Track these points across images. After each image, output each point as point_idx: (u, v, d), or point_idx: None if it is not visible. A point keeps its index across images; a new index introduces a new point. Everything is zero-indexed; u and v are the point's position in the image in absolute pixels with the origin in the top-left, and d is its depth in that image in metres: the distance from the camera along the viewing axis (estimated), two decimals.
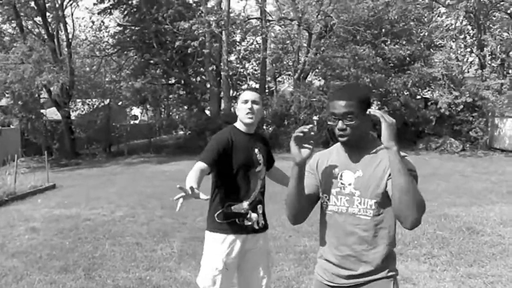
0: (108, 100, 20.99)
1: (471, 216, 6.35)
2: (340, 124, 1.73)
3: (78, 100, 20.63)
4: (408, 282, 3.99)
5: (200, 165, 2.47)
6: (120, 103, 22.28)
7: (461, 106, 14.30)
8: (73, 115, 20.16)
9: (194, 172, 2.40)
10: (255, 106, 2.64)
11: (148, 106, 23.81)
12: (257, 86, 21.03)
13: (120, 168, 14.33)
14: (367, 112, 1.70)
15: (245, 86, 23.28)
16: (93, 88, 21.29)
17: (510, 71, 15.99)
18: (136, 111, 26.82)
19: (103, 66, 22.47)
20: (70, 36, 20.49)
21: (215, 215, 2.61)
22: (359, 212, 1.77)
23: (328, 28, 16.78)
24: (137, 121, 27.14)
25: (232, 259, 2.56)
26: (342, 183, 1.80)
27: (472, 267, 4.32)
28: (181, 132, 21.07)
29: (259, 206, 2.67)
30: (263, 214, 2.72)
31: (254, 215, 2.62)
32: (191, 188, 2.15)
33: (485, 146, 15.57)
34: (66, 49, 19.71)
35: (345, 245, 1.80)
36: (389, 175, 1.70)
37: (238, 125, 2.70)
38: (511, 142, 14.99)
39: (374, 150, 1.81)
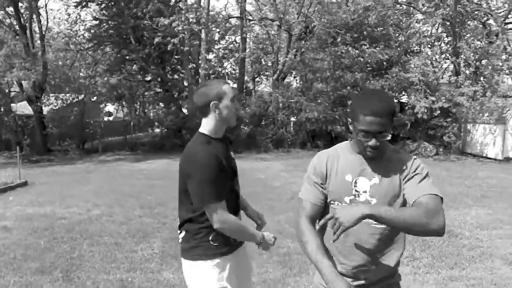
0: (82, 95, 20.47)
1: (449, 219, 6.45)
2: (373, 141, 1.62)
3: (51, 95, 20.05)
4: None
5: (224, 206, 2.06)
6: (94, 99, 21.79)
7: (438, 111, 14.61)
8: (45, 110, 19.59)
9: (238, 226, 2.11)
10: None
11: (123, 103, 23.41)
12: (235, 85, 20.97)
13: (95, 166, 13.99)
14: None
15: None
16: (67, 83, 20.75)
17: (481, 79, 16.43)
18: (110, 107, 26.32)
19: (78, 61, 21.91)
20: (44, 28, 19.89)
21: (210, 239, 2.11)
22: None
23: (308, 29, 16.87)
24: (111, 118, 26.62)
25: (234, 280, 2.18)
26: (356, 191, 1.70)
27: (454, 270, 4.38)
28: (158, 130, 20.77)
29: (240, 213, 2.35)
30: None
31: None
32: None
33: (458, 150, 15.97)
34: (39, 42, 19.12)
35: (358, 255, 1.72)
36: (405, 181, 1.66)
37: (210, 130, 2.17)
38: (482, 148, 15.41)
39: (389, 155, 1.74)
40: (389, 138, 1.64)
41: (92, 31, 20.09)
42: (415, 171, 1.68)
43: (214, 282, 2.10)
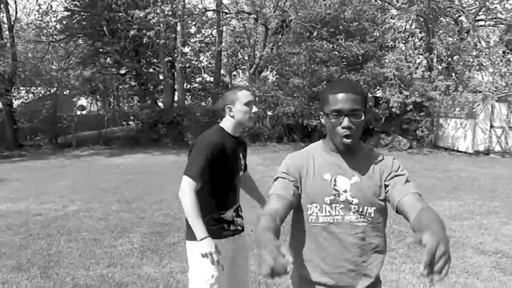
0: (54, 88, 19.96)
1: None
2: (346, 121, 1.51)
3: (21, 88, 19.46)
4: None
5: (195, 186, 2.24)
6: (67, 92, 21.28)
7: (411, 106, 14.93)
8: (15, 103, 19.02)
9: (195, 205, 2.20)
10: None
11: (97, 97, 22.96)
12: (212, 79, 20.88)
13: (69, 161, 13.71)
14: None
15: (199, 79, 23.04)
16: (38, 76, 20.15)
17: (453, 74, 16.85)
18: (83, 101, 25.78)
19: (49, 53, 21.31)
20: (12, 19, 19.26)
21: (204, 221, 2.30)
22: (356, 220, 1.59)
23: (285, 23, 16.91)
24: (84, 112, 26.09)
25: (225, 262, 2.36)
26: (336, 190, 1.59)
27: None
28: (133, 124, 20.49)
29: (240, 209, 2.58)
30: (242, 215, 2.63)
31: (239, 220, 2.54)
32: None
33: (430, 144, 16.39)
34: (7, 33, 18.52)
35: (344, 259, 1.60)
36: (386, 179, 1.60)
37: (227, 126, 2.45)
38: (454, 141, 15.85)
39: (366, 154, 1.67)
40: (362, 119, 1.54)
41: (64, 22, 19.53)
42: (397, 171, 1.62)
43: (206, 263, 2.22)
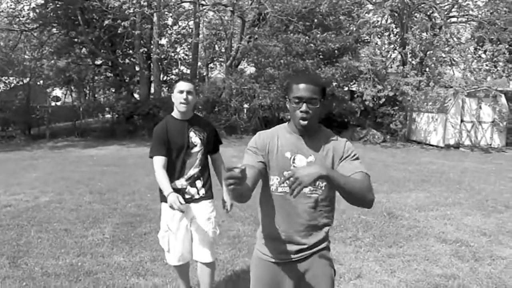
0: (27, 79, 19.52)
1: (391, 202, 6.86)
2: (304, 106, 1.80)
3: None
4: (335, 263, 4.18)
5: (159, 159, 2.96)
6: (41, 82, 20.84)
7: (383, 99, 15.21)
8: None
9: (161, 173, 2.92)
10: (189, 97, 3.00)
11: (72, 87, 22.57)
12: (188, 71, 20.78)
13: (42, 152, 13.50)
14: None
15: (176, 71, 22.91)
16: (10, 65, 19.65)
17: (427, 69, 17.23)
18: (58, 92, 25.30)
19: (22, 42, 20.78)
20: None
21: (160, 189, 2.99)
22: (309, 191, 1.89)
23: (261, 16, 16.95)
24: (59, 103, 25.60)
25: (175, 223, 3.06)
26: (294, 166, 1.88)
27: (392, 248, 4.71)
28: (109, 116, 20.25)
29: (198, 181, 3.09)
30: (204, 186, 3.12)
31: (192, 189, 3.07)
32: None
33: (403, 138, 16.76)
34: None
35: (296, 222, 1.91)
36: (339, 161, 1.87)
37: (175, 113, 3.09)
38: (426, 135, 16.26)
39: (324, 137, 1.93)
40: (318, 106, 1.83)
41: (38, 11, 19.09)
42: (348, 152, 1.91)
43: (162, 216, 3.15)
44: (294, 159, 1.89)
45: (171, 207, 2.79)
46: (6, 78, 19.53)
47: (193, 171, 3.05)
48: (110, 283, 3.67)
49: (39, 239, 4.78)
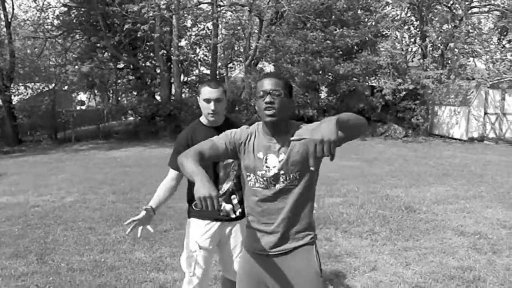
0: (53, 84, 20.13)
1: (409, 196, 6.84)
2: (268, 97, 1.84)
3: (20, 84, 19.64)
4: (351, 256, 4.31)
5: (170, 175, 2.69)
6: (66, 87, 21.44)
7: (404, 93, 15.05)
8: (15, 100, 19.20)
9: (163, 186, 2.66)
10: (218, 105, 2.60)
11: (95, 91, 23.12)
12: (208, 72, 20.98)
13: (68, 155, 13.93)
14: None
15: (196, 72, 23.16)
16: (36, 72, 20.30)
17: (448, 62, 16.95)
18: (82, 96, 25.97)
19: (47, 49, 21.44)
20: (10, 15, 19.37)
21: (192, 204, 2.68)
22: (285, 186, 1.93)
23: (279, 15, 17.00)
24: (84, 107, 26.27)
25: (207, 242, 2.64)
26: (267, 167, 1.93)
27: (408, 241, 4.72)
28: (131, 118, 20.68)
29: (233, 197, 2.67)
30: (242, 202, 2.56)
31: (228, 206, 2.65)
32: (147, 209, 2.48)
33: (425, 132, 16.54)
34: (5, 30, 18.65)
35: (276, 215, 1.95)
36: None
37: (203, 119, 2.72)
38: (448, 129, 16.00)
39: (294, 133, 1.92)
40: (282, 97, 1.86)
41: (61, 18, 19.69)
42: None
43: (190, 234, 2.69)
44: (266, 159, 1.93)
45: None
46: (33, 84, 20.16)
47: (227, 185, 2.65)
48: (131, 278, 3.83)
49: (65, 237, 5.00)
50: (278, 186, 1.94)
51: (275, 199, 1.95)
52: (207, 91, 2.60)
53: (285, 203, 1.95)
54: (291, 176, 1.92)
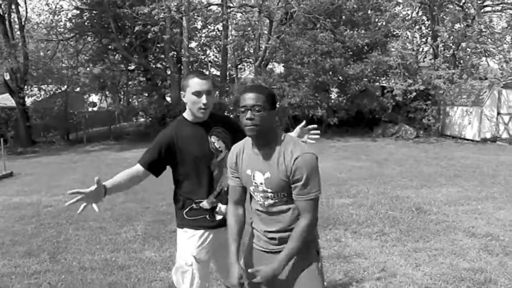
0: (65, 86, 20.39)
1: (420, 197, 6.79)
2: (248, 114, 1.86)
3: (34, 86, 19.93)
4: (361, 257, 4.30)
5: (137, 167, 2.38)
6: (78, 89, 21.70)
7: (414, 93, 14.92)
8: (28, 101, 19.49)
9: (126, 172, 2.36)
10: (209, 99, 2.33)
11: (107, 93, 23.34)
12: (218, 73, 21.06)
13: (80, 156, 14.09)
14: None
15: (206, 73, 23.23)
16: (49, 74, 20.59)
17: (461, 62, 16.79)
18: (94, 98, 26.21)
19: (59, 51, 21.73)
20: (23, 19, 19.68)
21: (184, 212, 2.44)
22: (274, 203, 1.99)
23: (288, 15, 17.00)
24: (95, 108, 26.53)
25: (203, 253, 2.42)
26: (255, 183, 1.99)
27: (418, 242, 4.69)
28: (142, 119, 20.84)
29: (214, 193, 2.45)
30: None
31: (223, 207, 2.43)
32: (99, 183, 2.17)
33: (437, 133, 16.39)
34: (19, 33, 18.94)
35: (268, 229, 2.04)
36: (291, 179, 1.90)
37: (187, 115, 2.42)
38: (460, 129, 15.84)
39: (278, 146, 1.93)
40: (262, 113, 1.86)
41: (73, 21, 19.96)
42: (294, 175, 1.88)
43: (184, 246, 2.43)
44: (254, 176, 1.98)
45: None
46: (46, 86, 20.44)
47: (222, 183, 2.44)
48: (141, 277, 3.87)
49: (77, 237, 5.07)
50: (266, 203, 2.00)
51: (271, 214, 2.02)
52: (196, 83, 2.30)
53: (280, 217, 2.01)
54: (279, 195, 1.96)
